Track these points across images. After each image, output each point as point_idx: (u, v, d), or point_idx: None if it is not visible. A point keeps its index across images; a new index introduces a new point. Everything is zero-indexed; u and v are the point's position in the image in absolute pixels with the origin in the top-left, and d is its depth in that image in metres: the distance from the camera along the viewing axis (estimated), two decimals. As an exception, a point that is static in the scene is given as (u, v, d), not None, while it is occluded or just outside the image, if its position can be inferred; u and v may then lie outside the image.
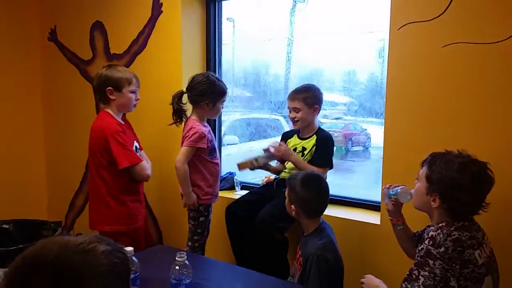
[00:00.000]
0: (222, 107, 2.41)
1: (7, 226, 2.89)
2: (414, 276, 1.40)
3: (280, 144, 2.34)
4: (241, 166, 2.39)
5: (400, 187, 1.67)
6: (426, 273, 1.37)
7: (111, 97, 2.25)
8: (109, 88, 2.23)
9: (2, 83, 3.46)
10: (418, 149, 1.96)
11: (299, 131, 2.43)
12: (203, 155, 2.31)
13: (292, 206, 1.88)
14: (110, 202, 2.25)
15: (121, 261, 0.77)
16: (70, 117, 3.50)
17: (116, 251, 0.78)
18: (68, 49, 3.42)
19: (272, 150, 2.33)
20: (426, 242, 1.41)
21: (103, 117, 2.27)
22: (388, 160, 2.11)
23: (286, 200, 1.93)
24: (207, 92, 2.30)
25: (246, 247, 2.38)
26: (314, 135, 2.35)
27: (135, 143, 2.37)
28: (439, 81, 1.94)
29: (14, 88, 3.53)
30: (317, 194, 1.88)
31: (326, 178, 2.24)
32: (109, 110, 2.28)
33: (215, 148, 2.37)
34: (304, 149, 2.35)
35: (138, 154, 2.32)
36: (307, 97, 2.29)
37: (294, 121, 2.35)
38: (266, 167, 2.43)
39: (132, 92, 2.28)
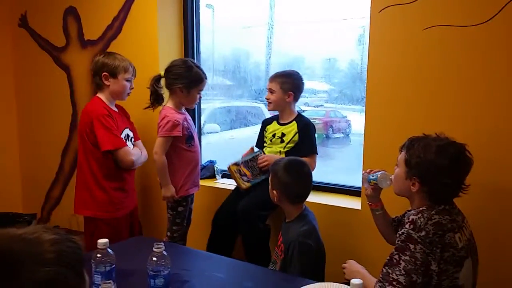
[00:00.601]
0: (200, 97, 2.35)
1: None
2: (395, 260, 1.39)
3: (262, 157, 2.32)
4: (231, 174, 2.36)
5: (380, 172, 1.66)
6: (407, 258, 1.37)
7: (106, 82, 2.27)
8: (105, 73, 2.26)
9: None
10: (398, 134, 1.94)
11: (278, 117, 2.41)
12: (180, 144, 2.25)
13: (274, 191, 1.86)
14: (92, 187, 2.26)
15: (71, 250, 0.75)
16: (44, 106, 3.40)
17: (65, 240, 0.75)
18: (40, 36, 3.30)
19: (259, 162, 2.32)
20: (407, 226, 1.40)
21: (93, 101, 2.30)
22: (369, 145, 2.11)
23: (270, 186, 1.90)
24: (182, 76, 2.24)
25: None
26: (294, 122, 2.33)
27: (127, 131, 2.36)
28: (420, 64, 1.94)
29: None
30: (299, 179, 1.86)
31: (316, 163, 2.27)
32: (101, 96, 2.30)
33: (192, 136, 2.32)
34: (283, 134, 2.33)
35: (129, 142, 2.33)
36: (284, 82, 2.30)
37: (268, 102, 2.37)
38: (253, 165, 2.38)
39: (127, 80, 2.30)
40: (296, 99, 2.35)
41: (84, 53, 3.05)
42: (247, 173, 2.33)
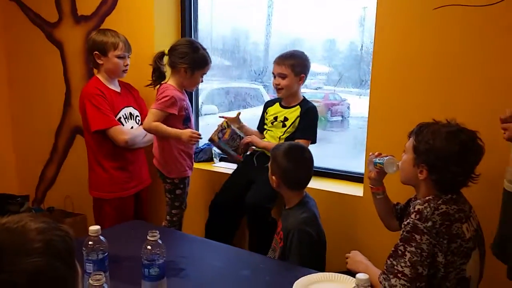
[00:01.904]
0: (202, 81, 2.25)
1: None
2: (400, 252, 1.34)
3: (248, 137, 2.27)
4: (211, 141, 2.30)
5: (387, 157, 1.61)
6: (413, 249, 1.32)
7: (99, 61, 2.26)
8: (96, 52, 2.24)
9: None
10: (403, 118, 1.90)
11: (281, 99, 2.31)
12: (177, 124, 2.16)
13: (274, 177, 1.80)
14: (94, 167, 2.29)
15: (59, 239, 0.70)
16: (37, 84, 3.29)
17: (54, 228, 0.71)
18: (32, 10, 3.17)
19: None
20: (413, 216, 1.35)
21: (90, 81, 2.30)
22: (373, 129, 2.04)
23: (269, 172, 1.84)
24: (187, 55, 2.14)
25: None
26: (298, 106, 2.23)
27: (130, 110, 2.34)
28: (429, 46, 1.85)
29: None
30: (298, 164, 1.80)
31: None
32: (99, 76, 2.30)
33: (189, 117, 2.23)
34: (286, 119, 2.24)
35: (131, 121, 2.32)
36: (295, 65, 2.16)
37: (278, 88, 2.21)
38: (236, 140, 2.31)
39: (119, 57, 2.25)
40: (304, 81, 2.24)
41: (78, 29, 2.94)
42: (226, 137, 2.27)
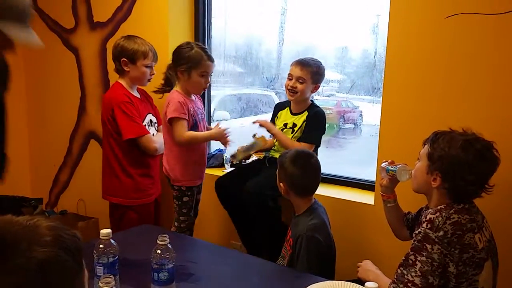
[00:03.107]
0: (206, 82, 2.17)
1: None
2: (410, 261, 1.33)
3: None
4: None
5: (400, 165, 1.60)
6: (424, 258, 1.30)
7: (126, 68, 2.23)
8: (124, 59, 2.22)
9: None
10: (416, 127, 1.89)
11: (289, 104, 2.29)
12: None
13: (281, 184, 1.80)
14: (118, 173, 2.25)
15: (68, 237, 0.74)
16: (53, 89, 3.35)
17: (63, 228, 0.75)
18: (49, 17, 3.24)
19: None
20: (424, 225, 1.33)
21: (114, 87, 2.27)
22: (384, 137, 2.03)
23: (277, 179, 1.84)
24: (181, 57, 2.13)
25: (245, 218, 2.29)
26: (306, 112, 2.22)
27: (150, 117, 2.33)
28: (441, 55, 1.84)
29: (-7, 58, 3.35)
30: (305, 171, 1.79)
31: None
32: (122, 81, 2.27)
33: (196, 125, 2.19)
34: (294, 125, 2.23)
35: (152, 128, 2.32)
36: (316, 73, 2.15)
37: (292, 91, 2.16)
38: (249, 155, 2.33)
39: (147, 66, 2.25)
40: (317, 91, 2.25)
41: (93, 35, 2.99)
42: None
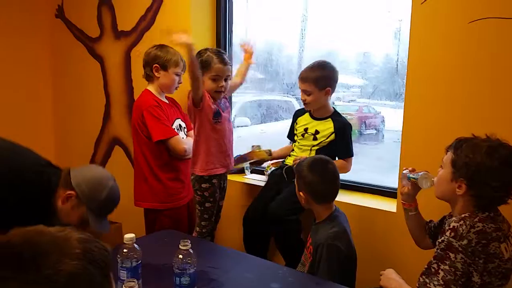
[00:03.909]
0: (223, 85, 2.15)
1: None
2: (433, 270, 1.31)
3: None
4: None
5: (422, 172, 1.58)
6: (447, 267, 1.28)
7: (157, 74, 2.31)
8: (156, 65, 2.30)
9: (11, 62, 3.40)
10: (439, 133, 1.86)
11: (310, 110, 2.29)
12: (205, 119, 2.14)
13: (301, 193, 1.80)
14: (149, 178, 2.31)
15: (98, 250, 0.73)
16: (79, 96, 3.44)
17: (93, 241, 0.75)
18: (76, 26, 3.34)
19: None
20: (447, 234, 1.32)
21: (143, 94, 2.35)
22: (407, 143, 2.00)
23: (296, 189, 1.84)
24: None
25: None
26: (330, 120, 2.21)
27: (179, 121, 2.40)
28: (465, 60, 1.81)
29: (23, 67, 3.47)
30: (324, 177, 1.79)
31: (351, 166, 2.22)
32: (150, 88, 2.35)
33: (219, 113, 2.19)
34: (317, 132, 2.22)
35: (182, 133, 2.38)
36: (319, 79, 2.14)
37: (305, 103, 2.22)
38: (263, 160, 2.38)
39: (177, 74, 2.33)
40: (333, 92, 2.22)
41: (117, 44, 3.06)
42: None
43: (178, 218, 2.33)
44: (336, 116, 2.22)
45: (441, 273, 1.29)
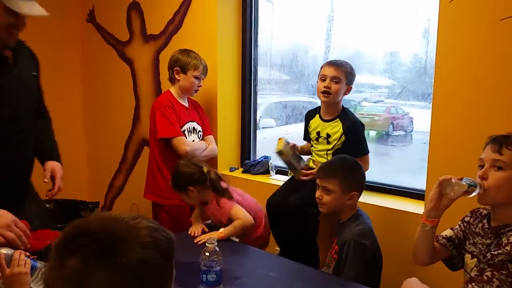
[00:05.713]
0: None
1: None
2: (486, 277, 1.23)
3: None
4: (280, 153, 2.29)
5: (465, 178, 1.33)
6: (503, 277, 1.20)
7: (177, 77, 2.45)
8: (177, 68, 2.43)
9: (43, 66, 3.49)
10: (468, 133, 1.82)
11: (319, 111, 2.25)
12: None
13: (350, 193, 1.79)
14: (156, 173, 2.46)
15: (165, 240, 0.77)
16: (109, 98, 3.54)
17: (161, 230, 0.78)
18: (106, 30, 3.44)
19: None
20: (508, 247, 1.22)
21: (163, 94, 2.52)
22: (435, 144, 1.97)
23: (338, 194, 1.80)
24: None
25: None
26: (338, 120, 2.16)
27: (193, 124, 2.50)
28: (494, 59, 1.77)
29: (55, 70, 3.58)
30: (360, 166, 1.88)
31: (369, 163, 2.17)
32: (172, 90, 2.49)
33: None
34: (328, 135, 2.17)
35: (194, 135, 2.48)
36: (349, 73, 2.14)
37: (327, 92, 2.10)
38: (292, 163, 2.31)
39: (196, 77, 2.44)
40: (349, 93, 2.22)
41: (147, 47, 3.14)
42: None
43: (177, 215, 2.42)
44: (344, 115, 2.16)
45: (496, 282, 1.21)
